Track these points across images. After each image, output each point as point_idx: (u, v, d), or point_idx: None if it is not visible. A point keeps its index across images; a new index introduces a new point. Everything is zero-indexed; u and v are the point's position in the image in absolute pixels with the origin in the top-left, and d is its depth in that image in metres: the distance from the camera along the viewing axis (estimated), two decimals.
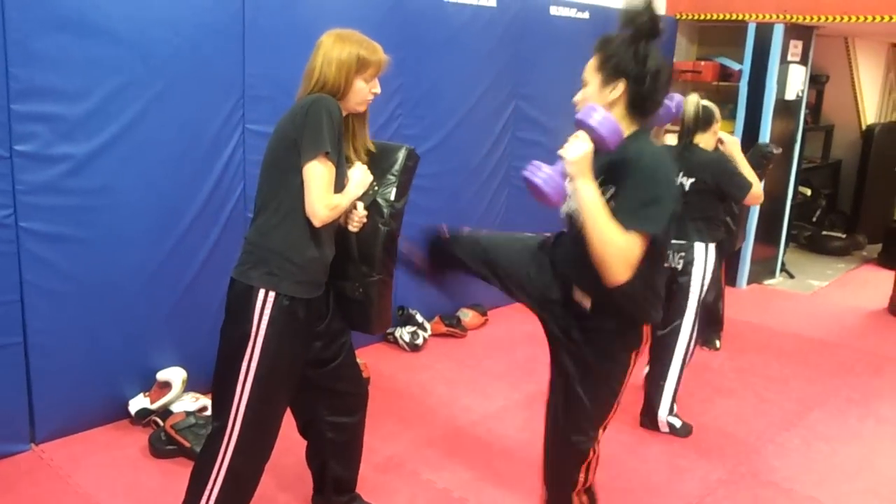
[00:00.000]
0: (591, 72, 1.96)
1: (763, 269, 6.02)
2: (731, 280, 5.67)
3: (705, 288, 3.39)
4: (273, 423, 2.25)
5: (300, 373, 2.27)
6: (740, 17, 5.67)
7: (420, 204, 4.28)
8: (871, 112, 7.54)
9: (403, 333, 4.25)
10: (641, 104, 1.93)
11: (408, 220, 4.20)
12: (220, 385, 2.20)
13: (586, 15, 4.97)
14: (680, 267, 3.35)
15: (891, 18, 5.03)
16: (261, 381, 2.13)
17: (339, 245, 2.26)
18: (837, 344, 4.75)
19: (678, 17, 5.99)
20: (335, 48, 2.14)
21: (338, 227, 2.24)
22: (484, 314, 4.70)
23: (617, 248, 1.77)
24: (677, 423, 3.43)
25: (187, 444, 2.95)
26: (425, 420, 3.45)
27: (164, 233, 3.21)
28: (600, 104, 1.88)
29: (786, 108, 5.65)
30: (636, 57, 1.89)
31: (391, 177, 2.34)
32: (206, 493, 2.19)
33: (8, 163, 2.73)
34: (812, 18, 5.37)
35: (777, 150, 4.32)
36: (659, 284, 2.04)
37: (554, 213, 1.95)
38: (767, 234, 5.89)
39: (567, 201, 1.93)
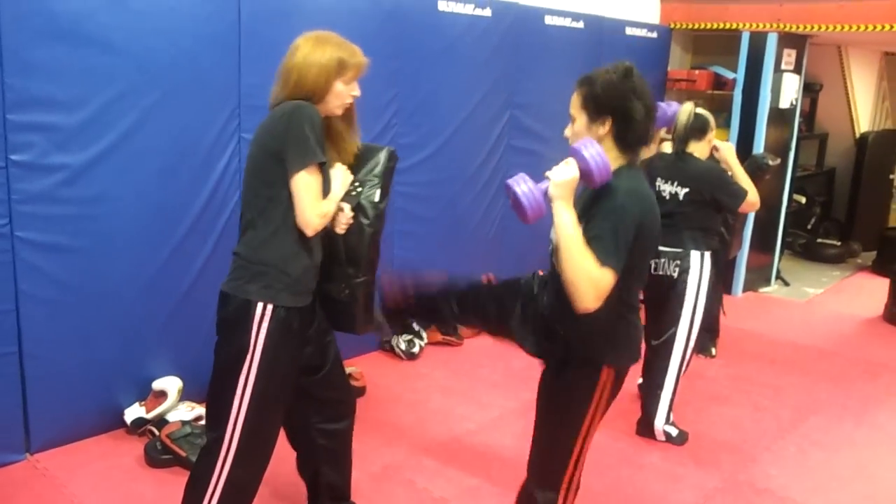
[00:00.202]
0: (577, 108, 1.98)
1: (758, 276, 6.04)
2: (727, 288, 5.68)
3: (702, 297, 3.39)
4: (271, 432, 2.25)
5: (295, 381, 2.27)
6: (734, 27, 5.70)
7: (416, 212, 4.30)
8: (864, 120, 7.58)
9: (400, 342, 4.25)
10: (628, 139, 1.95)
11: (403, 227, 4.26)
12: (216, 396, 2.19)
13: (581, 25, 4.99)
14: (676, 275, 3.36)
15: (883, 27, 5.06)
16: (259, 393, 2.13)
17: (324, 247, 2.26)
18: (833, 351, 4.76)
19: (673, 26, 6.02)
20: (315, 51, 2.12)
21: (323, 231, 2.23)
22: None
23: (588, 276, 1.79)
24: (673, 431, 3.43)
25: (183, 454, 2.94)
26: (421, 428, 3.45)
27: (160, 242, 3.21)
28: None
29: (780, 117, 5.68)
30: (621, 95, 1.91)
31: (374, 178, 2.34)
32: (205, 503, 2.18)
33: (3, 172, 2.73)
34: (805, 27, 5.40)
35: (774, 162, 4.29)
36: (624, 328, 2.03)
37: (546, 221, 1.97)
38: (763, 241, 5.91)
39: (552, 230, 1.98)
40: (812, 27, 5.37)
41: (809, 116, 7.23)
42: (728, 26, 5.76)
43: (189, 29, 3.13)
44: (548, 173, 1.87)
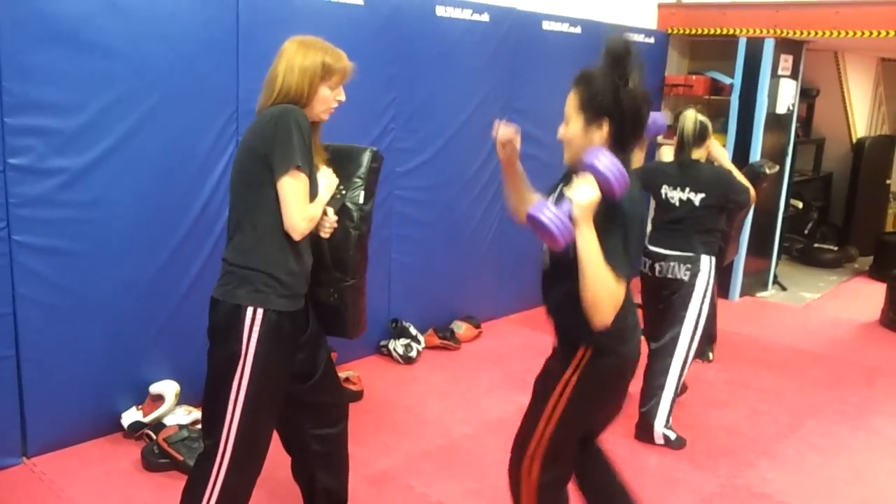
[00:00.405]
0: (573, 109, 1.98)
1: (755, 281, 6.05)
2: (724, 292, 5.69)
3: (707, 299, 3.44)
4: (265, 437, 2.25)
5: (286, 386, 2.27)
6: (731, 32, 5.72)
7: (414, 216, 4.31)
8: (861, 125, 7.60)
9: (397, 346, 4.25)
10: (625, 140, 1.96)
11: (402, 232, 4.27)
12: (210, 403, 2.19)
13: (578, 30, 5.01)
14: (686, 279, 3.42)
15: (879, 33, 5.08)
16: (252, 398, 2.12)
17: (312, 252, 2.25)
18: (830, 356, 4.77)
19: (670, 31, 6.04)
20: (299, 55, 2.12)
21: (310, 235, 2.22)
22: (478, 327, 4.71)
23: (609, 292, 1.83)
24: (672, 435, 3.44)
25: (180, 458, 2.94)
26: (419, 433, 3.45)
27: (158, 246, 3.21)
28: (585, 143, 1.93)
29: (777, 122, 5.70)
30: (619, 96, 1.91)
31: (357, 180, 2.33)
32: None
33: (1, 176, 2.73)
34: (802, 33, 5.42)
35: (772, 170, 4.30)
36: (627, 317, 2.06)
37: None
38: (760, 246, 5.92)
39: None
40: (809, 33, 5.38)
41: (806, 122, 7.26)
42: (725, 32, 5.77)
43: (187, 34, 3.14)
44: (569, 194, 1.86)
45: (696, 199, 3.46)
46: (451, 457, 3.25)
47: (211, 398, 2.18)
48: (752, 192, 3.58)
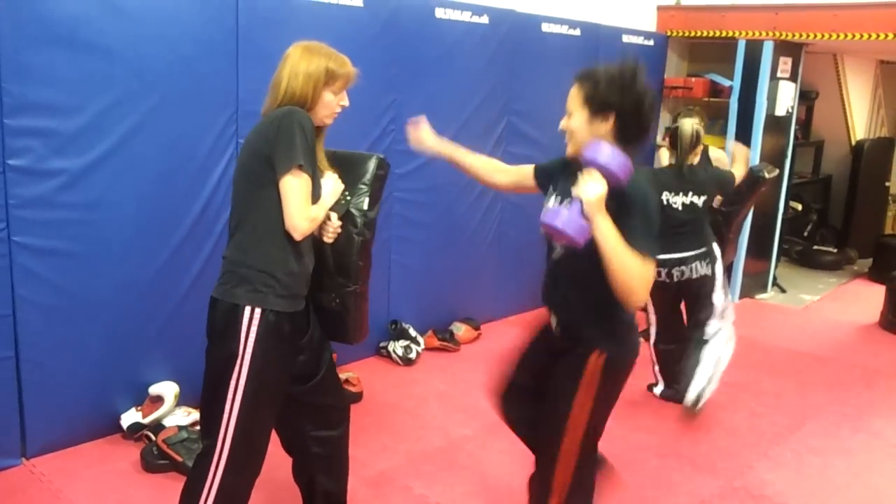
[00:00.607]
0: (576, 103, 1.99)
1: (755, 283, 6.05)
2: None
3: (726, 282, 3.84)
4: (262, 438, 2.24)
5: (286, 388, 2.27)
6: (730, 35, 5.72)
7: (414, 218, 4.31)
8: (860, 128, 7.61)
9: (396, 347, 4.25)
10: (630, 136, 1.97)
11: (402, 234, 4.27)
12: (208, 403, 2.19)
13: (577, 32, 5.02)
14: (710, 272, 3.70)
15: (878, 36, 5.09)
16: (249, 398, 2.12)
17: (314, 256, 2.26)
18: (829, 358, 4.77)
19: (669, 33, 6.04)
20: (303, 60, 2.13)
21: (313, 239, 2.23)
22: (477, 328, 4.71)
23: (639, 273, 1.87)
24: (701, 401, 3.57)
25: (179, 459, 2.94)
26: (418, 434, 3.45)
27: (157, 247, 3.21)
28: (588, 136, 1.95)
29: (776, 124, 5.70)
30: (625, 91, 1.93)
31: (363, 186, 2.34)
32: None
33: (1, 177, 2.74)
34: (801, 36, 5.43)
35: (771, 174, 4.31)
36: (631, 319, 2.13)
37: (535, 221, 1.99)
38: (759, 248, 5.92)
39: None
40: (808, 35, 5.39)
41: (805, 124, 7.27)
42: (724, 34, 5.78)
43: (187, 35, 3.15)
44: (576, 192, 1.88)
45: (699, 201, 3.67)
46: (450, 458, 3.26)
47: (209, 398, 2.18)
48: (735, 175, 3.84)
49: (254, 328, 2.09)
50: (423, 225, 4.39)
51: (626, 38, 5.46)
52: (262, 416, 2.20)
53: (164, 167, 3.17)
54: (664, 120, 6.04)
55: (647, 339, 3.89)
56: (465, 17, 4.30)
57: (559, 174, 2.18)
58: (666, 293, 3.73)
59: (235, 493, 2.22)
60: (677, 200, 3.66)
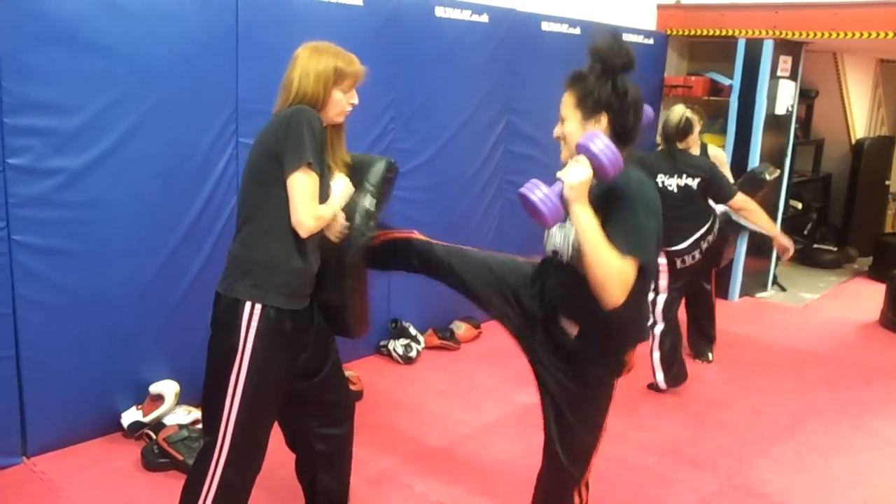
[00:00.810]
0: (569, 108, 1.98)
1: (755, 281, 6.05)
2: (724, 293, 5.69)
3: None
4: (262, 435, 2.25)
5: (288, 385, 2.27)
6: (730, 33, 5.72)
7: (413, 217, 4.30)
8: (860, 126, 7.61)
9: (397, 346, 4.25)
10: (624, 134, 1.96)
11: None
12: (209, 399, 2.20)
13: (577, 31, 5.02)
14: (712, 239, 3.88)
15: (878, 34, 5.09)
16: (249, 394, 2.12)
17: (319, 254, 2.27)
18: (829, 356, 4.77)
19: (669, 32, 6.04)
20: (312, 60, 2.15)
21: (319, 238, 2.24)
22: (477, 327, 4.71)
23: (615, 271, 1.79)
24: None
25: (180, 457, 2.94)
26: (418, 433, 3.45)
27: (157, 246, 3.22)
28: None
29: (776, 123, 5.70)
30: (616, 91, 1.92)
31: (371, 188, 2.36)
32: None
33: (1, 176, 2.74)
34: (801, 34, 5.42)
35: (772, 175, 4.34)
36: (644, 311, 2.13)
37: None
38: (759, 247, 5.91)
39: (551, 236, 2.02)
40: (808, 34, 5.39)
41: (805, 123, 7.26)
42: (724, 33, 5.78)
43: (186, 34, 3.14)
44: (560, 175, 1.84)
45: (693, 183, 3.77)
46: (450, 457, 3.26)
47: (209, 393, 2.18)
48: (740, 202, 3.80)
49: (254, 324, 2.09)
50: (423, 224, 4.33)
51: (625, 37, 5.42)
52: (263, 412, 2.21)
53: (163, 166, 3.17)
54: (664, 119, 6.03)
55: (651, 334, 3.91)
56: (465, 15, 4.30)
57: None
58: (679, 274, 3.88)
59: (236, 489, 2.22)
60: (672, 183, 3.77)
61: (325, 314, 2.37)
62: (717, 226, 3.91)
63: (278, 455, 2.36)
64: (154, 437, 3.09)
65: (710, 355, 4.53)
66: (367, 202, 2.34)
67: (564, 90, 2.00)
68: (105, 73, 2.93)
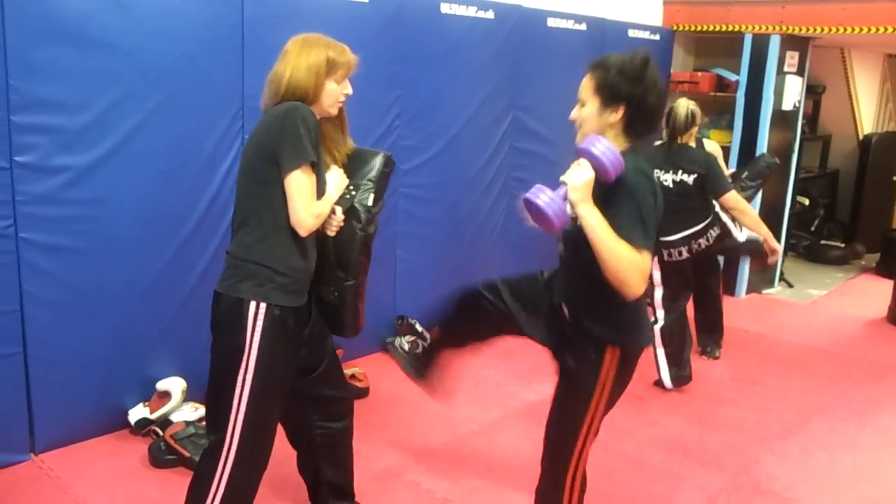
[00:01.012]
0: (588, 92, 1.98)
1: (762, 278, 6.03)
2: (731, 289, 5.69)
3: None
4: (270, 432, 2.25)
5: (291, 381, 2.27)
6: (737, 29, 5.70)
7: (418, 214, 4.31)
8: (867, 122, 7.57)
9: (403, 343, 4.24)
10: (639, 127, 1.97)
11: (407, 229, 4.27)
12: (214, 399, 2.20)
13: (583, 27, 5.00)
14: (716, 234, 3.83)
15: (886, 29, 5.06)
16: (257, 393, 2.13)
17: (317, 250, 2.27)
18: (836, 353, 4.76)
19: (675, 28, 6.02)
20: (303, 53, 2.14)
21: (316, 233, 2.23)
22: None
23: (631, 263, 1.83)
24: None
25: (187, 454, 2.95)
26: (425, 429, 3.45)
27: (163, 243, 3.22)
28: (598, 126, 1.95)
29: (783, 119, 5.68)
30: (636, 80, 1.92)
31: (368, 182, 2.35)
32: None
33: (8, 174, 2.74)
34: (808, 29, 5.40)
35: (773, 159, 4.49)
36: (641, 308, 2.12)
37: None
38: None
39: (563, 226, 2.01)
40: (815, 29, 5.37)
41: (812, 118, 7.23)
42: (730, 28, 5.76)
43: (192, 32, 3.15)
44: (563, 178, 1.87)
45: (689, 179, 3.74)
46: (456, 453, 3.26)
47: (215, 393, 2.18)
48: (734, 200, 3.77)
49: (259, 323, 2.10)
50: (428, 220, 4.39)
51: (632, 33, 5.45)
52: (270, 410, 2.21)
53: (169, 163, 3.17)
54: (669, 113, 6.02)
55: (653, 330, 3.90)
56: (471, 11, 4.29)
57: None
58: (672, 268, 3.85)
59: (245, 487, 2.23)
60: (667, 178, 3.76)
61: (320, 310, 2.37)
62: (715, 232, 3.83)
63: (281, 452, 2.36)
64: (161, 433, 3.09)
65: (717, 352, 4.52)
66: (367, 198, 2.33)
67: (585, 72, 2.00)
68: (111, 70, 2.94)
